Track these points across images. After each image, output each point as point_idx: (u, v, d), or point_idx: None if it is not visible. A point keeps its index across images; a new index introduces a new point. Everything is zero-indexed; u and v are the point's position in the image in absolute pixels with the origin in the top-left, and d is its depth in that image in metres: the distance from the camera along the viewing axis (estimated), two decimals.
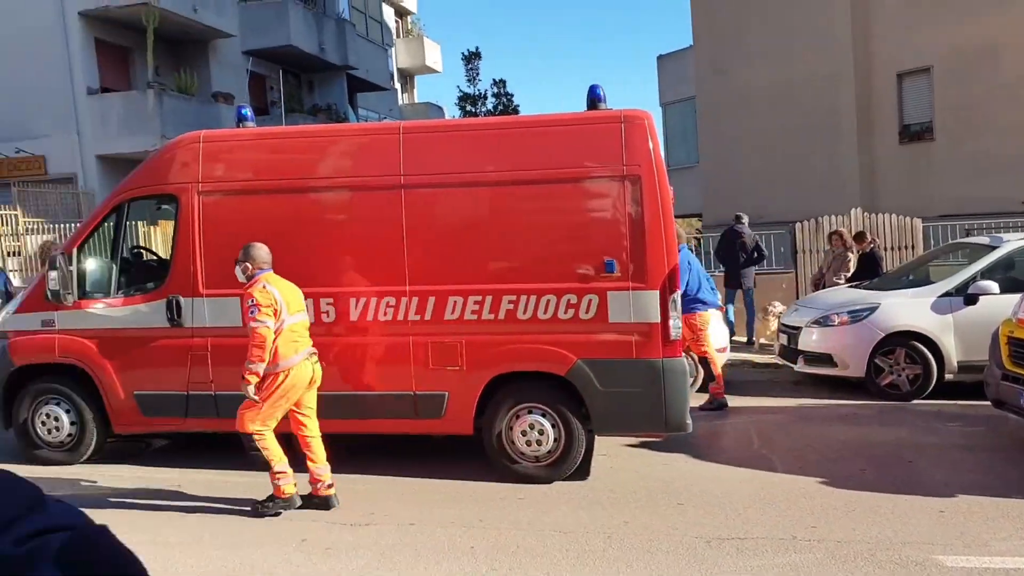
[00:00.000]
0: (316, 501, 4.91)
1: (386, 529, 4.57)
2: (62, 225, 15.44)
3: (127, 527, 4.55)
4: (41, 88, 16.93)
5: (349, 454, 5.84)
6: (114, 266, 5.92)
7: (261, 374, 4.65)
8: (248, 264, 4.85)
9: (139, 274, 6.26)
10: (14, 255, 14.25)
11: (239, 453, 5.85)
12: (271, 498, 4.81)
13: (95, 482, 5.54)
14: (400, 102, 32.34)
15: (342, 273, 5.53)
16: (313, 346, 4.96)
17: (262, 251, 4.88)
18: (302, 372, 4.81)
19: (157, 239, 12.50)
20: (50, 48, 16.77)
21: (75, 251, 5.75)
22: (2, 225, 15.45)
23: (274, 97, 21.16)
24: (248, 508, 4.86)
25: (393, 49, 31.00)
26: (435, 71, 35.44)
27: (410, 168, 5.42)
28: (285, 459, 4.82)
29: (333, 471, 4.98)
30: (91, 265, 5.89)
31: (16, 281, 11.66)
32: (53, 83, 16.85)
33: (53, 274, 5.61)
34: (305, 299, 5.45)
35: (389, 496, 5.16)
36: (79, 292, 5.74)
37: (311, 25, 21.43)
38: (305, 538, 4.45)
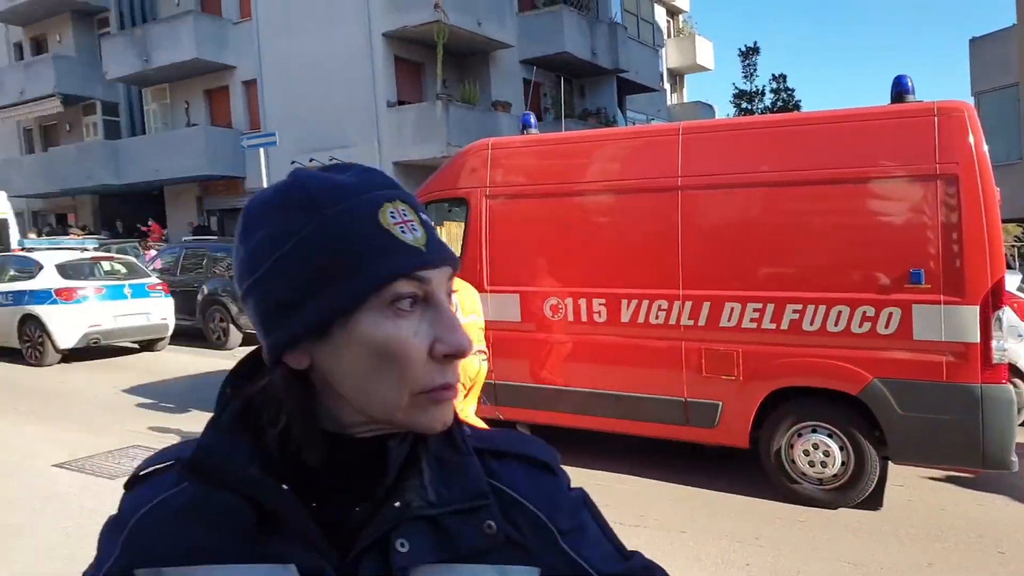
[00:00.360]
0: None
1: (657, 534, 4.59)
2: None
3: None
4: (351, 103, 19.51)
5: (622, 454, 5.98)
6: None
7: None
8: None
9: None
10: None
11: None
12: None
13: None
14: (669, 102, 32.15)
15: (615, 274, 5.65)
16: (483, 347, 5.15)
17: None
18: (469, 366, 5.08)
19: (442, 237, 13.78)
20: (359, 68, 19.27)
21: None
22: None
23: (547, 104, 22.19)
24: None
25: (664, 49, 30.88)
26: (706, 69, 34.71)
27: (688, 169, 5.38)
28: None
29: (606, 469, 5.12)
30: None
31: None
32: (360, 99, 19.33)
33: None
34: (578, 298, 5.67)
35: (661, 500, 5.18)
36: None
37: (584, 31, 22.14)
38: None
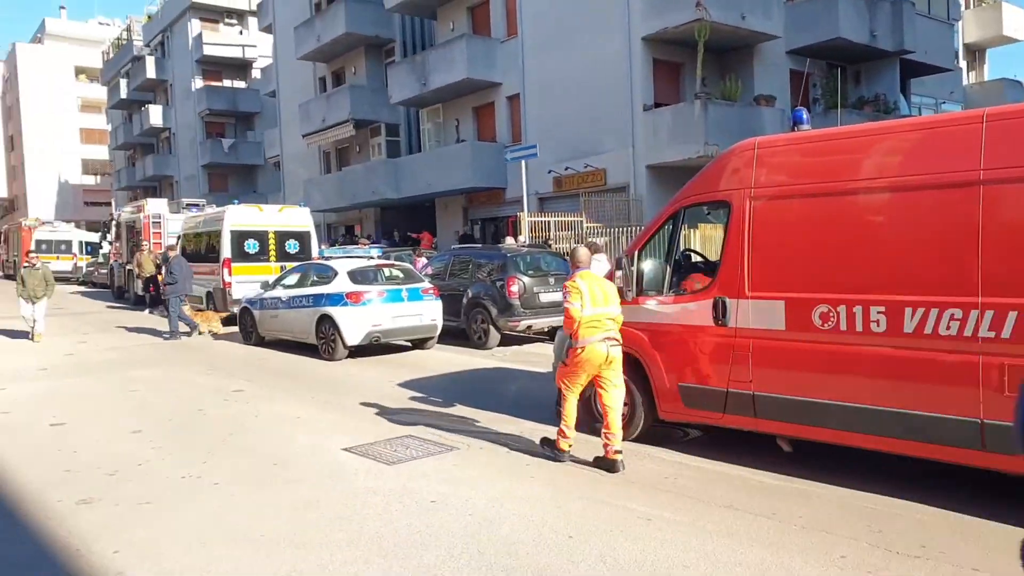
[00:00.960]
0: (603, 462, 5.98)
1: (942, 569, 4.12)
2: (615, 229, 17.91)
3: (669, 508, 5.02)
4: (607, 110, 19.90)
5: (901, 476, 5.48)
6: (667, 267, 6.58)
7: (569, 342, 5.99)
8: (571, 262, 6.30)
9: (688, 275, 6.86)
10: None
11: (773, 454, 5.99)
12: (550, 443, 6.32)
13: (642, 461, 6.28)
14: (965, 82, 28.52)
15: (896, 280, 5.16)
16: (614, 335, 5.99)
17: (581, 253, 6.24)
18: (596, 351, 5.90)
19: (696, 241, 13.53)
20: (616, 74, 19.58)
21: (636, 253, 6.60)
22: (565, 230, 18.65)
23: (816, 94, 20.81)
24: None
25: (960, 23, 27.45)
26: (1015, 40, 30.25)
27: (995, 161, 4.75)
28: (572, 422, 6.15)
29: (881, 492, 4.90)
30: (648, 266, 6.67)
31: None
32: (617, 106, 19.64)
33: (618, 273, 6.57)
34: (853, 306, 5.26)
35: (945, 531, 4.65)
36: (637, 289, 6.58)
37: (862, 13, 20.45)
38: (845, 555, 4.31)
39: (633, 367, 6.62)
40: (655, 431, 6.82)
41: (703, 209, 6.78)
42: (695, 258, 7.62)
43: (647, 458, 6.35)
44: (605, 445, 6.00)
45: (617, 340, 6.03)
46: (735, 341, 5.90)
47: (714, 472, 5.95)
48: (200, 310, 16.37)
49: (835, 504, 5.14)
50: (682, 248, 7.22)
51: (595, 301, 5.95)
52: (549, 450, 6.32)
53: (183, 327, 14.99)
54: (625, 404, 6.72)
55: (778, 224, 5.77)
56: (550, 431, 6.54)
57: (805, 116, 5.95)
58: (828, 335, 5.40)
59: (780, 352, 5.67)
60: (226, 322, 16.13)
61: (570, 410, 6.16)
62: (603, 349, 5.92)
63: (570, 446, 6.19)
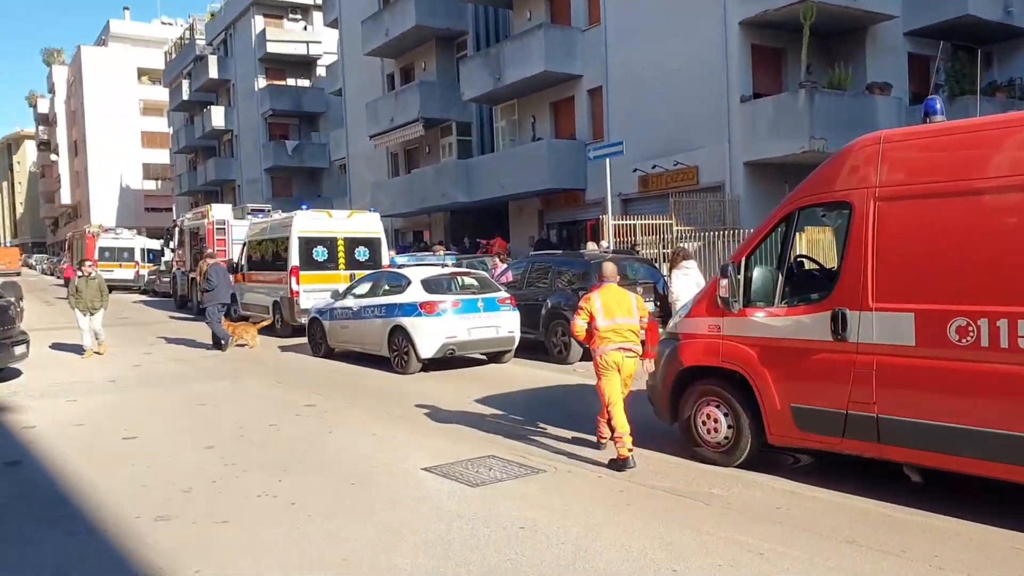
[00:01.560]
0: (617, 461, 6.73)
1: None
2: (709, 233, 17.64)
3: (783, 542, 4.91)
4: (700, 104, 19.65)
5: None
6: (779, 276, 6.44)
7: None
8: (597, 276, 7.38)
9: (802, 284, 6.71)
10: (663, 260, 16.91)
11: (896, 484, 5.81)
12: (614, 460, 6.75)
13: (750, 489, 6.16)
14: None
15: None
16: (630, 345, 6.93)
17: (607, 268, 7.25)
18: (612, 357, 6.88)
19: (802, 245, 13.19)
20: (711, 64, 19.31)
21: (743, 260, 6.50)
22: (650, 234, 18.45)
23: (939, 80, 20.07)
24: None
25: None
26: None
27: None
28: (625, 428, 6.71)
29: (1008, 527, 4.72)
30: (757, 274, 6.54)
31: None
32: (710, 97, 19.37)
33: (723, 282, 6.47)
34: (997, 319, 5.05)
35: None
36: (745, 300, 6.47)
37: None
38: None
39: (739, 386, 6.53)
40: (762, 456, 6.69)
41: (818, 211, 6.63)
42: (809, 265, 7.45)
43: (755, 486, 6.24)
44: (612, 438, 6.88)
45: (634, 351, 7.00)
46: (856, 358, 5.74)
47: (831, 503, 5.80)
48: (234, 320, 16.81)
49: (975, 543, 4.94)
50: (795, 255, 7.06)
51: (610, 313, 6.90)
52: (617, 467, 6.70)
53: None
54: (729, 427, 6.66)
55: (907, 227, 5.58)
56: (639, 453, 6.62)
57: (938, 106, 5.74)
58: (967, 352, 5.20)
59: (909, 370, 5.49)
60: (295, 332, 16.62)
61: (619, 419, 6.78)
62: (619, 356, 6.89)
63: (630, 450, 6.68)
